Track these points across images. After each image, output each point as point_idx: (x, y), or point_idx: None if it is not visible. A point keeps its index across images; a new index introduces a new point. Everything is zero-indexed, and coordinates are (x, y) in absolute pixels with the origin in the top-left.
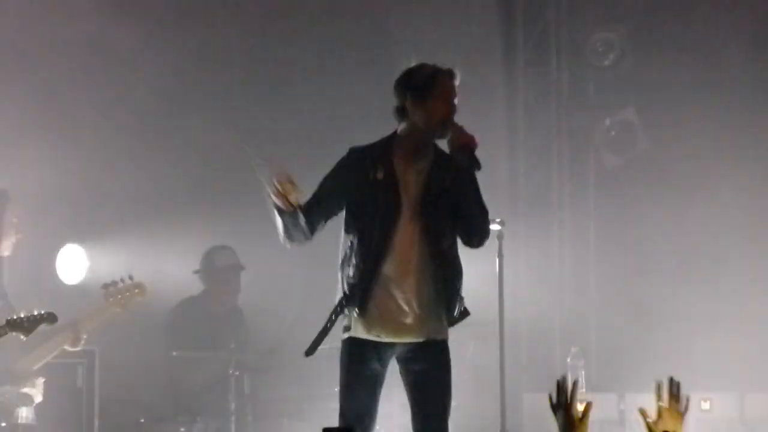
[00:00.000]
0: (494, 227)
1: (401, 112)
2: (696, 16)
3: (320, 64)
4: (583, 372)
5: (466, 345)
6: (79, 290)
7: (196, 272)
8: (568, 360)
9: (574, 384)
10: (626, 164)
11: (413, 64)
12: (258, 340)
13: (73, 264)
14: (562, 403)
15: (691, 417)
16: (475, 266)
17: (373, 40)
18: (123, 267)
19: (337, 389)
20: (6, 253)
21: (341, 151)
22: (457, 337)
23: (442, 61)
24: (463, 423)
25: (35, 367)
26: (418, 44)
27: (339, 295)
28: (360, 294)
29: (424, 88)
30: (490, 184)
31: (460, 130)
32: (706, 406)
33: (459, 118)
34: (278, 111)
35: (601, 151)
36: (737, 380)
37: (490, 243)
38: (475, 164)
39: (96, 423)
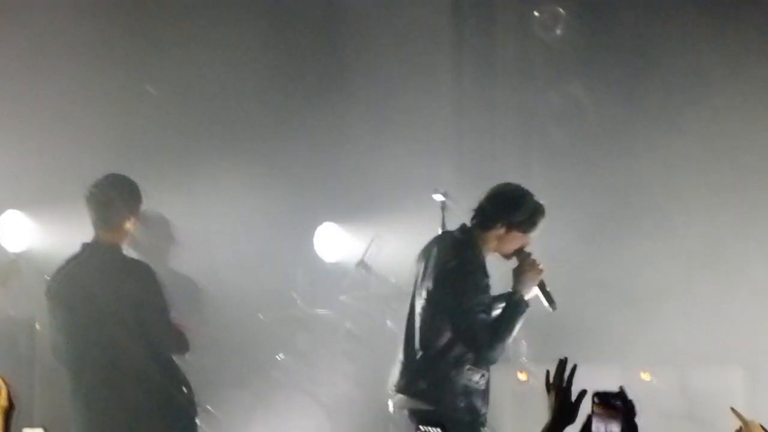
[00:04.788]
0: (438, 198)
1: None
2: None
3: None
4: (524, 342)
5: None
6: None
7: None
8: None
9: (573, 368)
10: (572, 138)
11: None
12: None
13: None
14: (557, 385)
15: (631, 390)
16: (418, 238)
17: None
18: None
19: (278, 356)
20: None
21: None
22: (397, 310)
23: (387, 35)
24: None
25: None
26: (364, 17)
27: None
28: None
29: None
30: (435, 156)
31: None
32: (646, 378)
33: (406, 94)
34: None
35: (547, 125)
36: (678, 354)
37: (434, 214)
38: None
39: (37, 389)
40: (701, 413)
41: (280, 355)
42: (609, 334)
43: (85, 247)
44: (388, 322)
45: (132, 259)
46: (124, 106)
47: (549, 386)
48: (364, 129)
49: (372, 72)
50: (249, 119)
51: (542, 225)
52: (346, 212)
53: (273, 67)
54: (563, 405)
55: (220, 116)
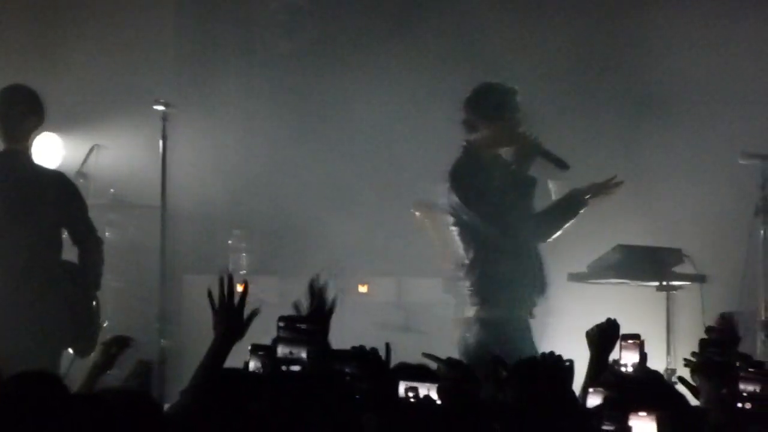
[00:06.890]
0: (158, 108)
1: None
2: None
3: None
4: (244, 255)
5: (126, 228)
6: None
7: None
8: (230, 242)
9: (246, 286)
10: (294, 48)
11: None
12: None
13: None
14: (222, 302)
15: (349, 300)
16: (138, 147)
17: None
18: None
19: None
20: None
21: None
22: (115, 220)
23: None
24: (122, 305)
25: None
26: None
27: None
28: None
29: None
30: (155, 65)
31: None
32: (363, 289)
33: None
34: None
35: (269, 34)
36: (395, 265)
37: (155, 124)
38: None
39: None
40: (418, 324)
41: None
42: (329, 247)
43: None
44: (107, 233)
45: (51, 169)
46: None
47: (213, 303)
48: (84, 38)
49: None
50: None
51: (520, 102)
52: (64, 121)
53: None
54: (231, 322)
55: None
